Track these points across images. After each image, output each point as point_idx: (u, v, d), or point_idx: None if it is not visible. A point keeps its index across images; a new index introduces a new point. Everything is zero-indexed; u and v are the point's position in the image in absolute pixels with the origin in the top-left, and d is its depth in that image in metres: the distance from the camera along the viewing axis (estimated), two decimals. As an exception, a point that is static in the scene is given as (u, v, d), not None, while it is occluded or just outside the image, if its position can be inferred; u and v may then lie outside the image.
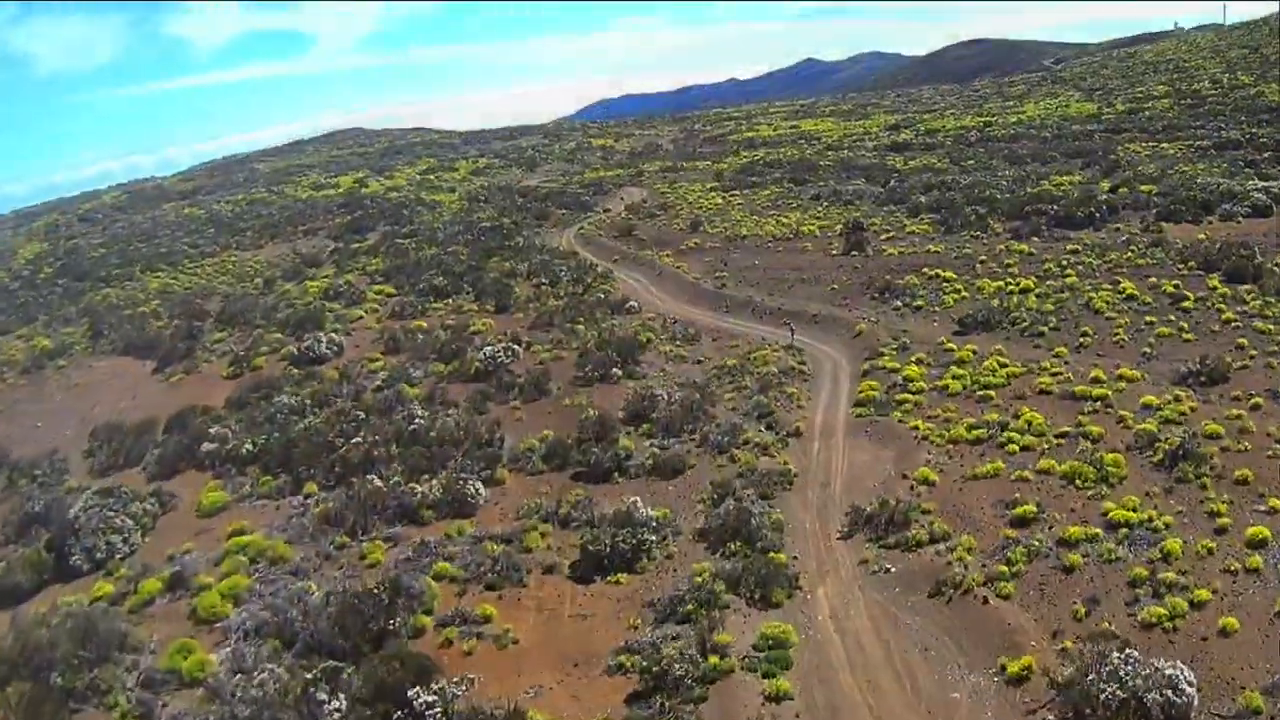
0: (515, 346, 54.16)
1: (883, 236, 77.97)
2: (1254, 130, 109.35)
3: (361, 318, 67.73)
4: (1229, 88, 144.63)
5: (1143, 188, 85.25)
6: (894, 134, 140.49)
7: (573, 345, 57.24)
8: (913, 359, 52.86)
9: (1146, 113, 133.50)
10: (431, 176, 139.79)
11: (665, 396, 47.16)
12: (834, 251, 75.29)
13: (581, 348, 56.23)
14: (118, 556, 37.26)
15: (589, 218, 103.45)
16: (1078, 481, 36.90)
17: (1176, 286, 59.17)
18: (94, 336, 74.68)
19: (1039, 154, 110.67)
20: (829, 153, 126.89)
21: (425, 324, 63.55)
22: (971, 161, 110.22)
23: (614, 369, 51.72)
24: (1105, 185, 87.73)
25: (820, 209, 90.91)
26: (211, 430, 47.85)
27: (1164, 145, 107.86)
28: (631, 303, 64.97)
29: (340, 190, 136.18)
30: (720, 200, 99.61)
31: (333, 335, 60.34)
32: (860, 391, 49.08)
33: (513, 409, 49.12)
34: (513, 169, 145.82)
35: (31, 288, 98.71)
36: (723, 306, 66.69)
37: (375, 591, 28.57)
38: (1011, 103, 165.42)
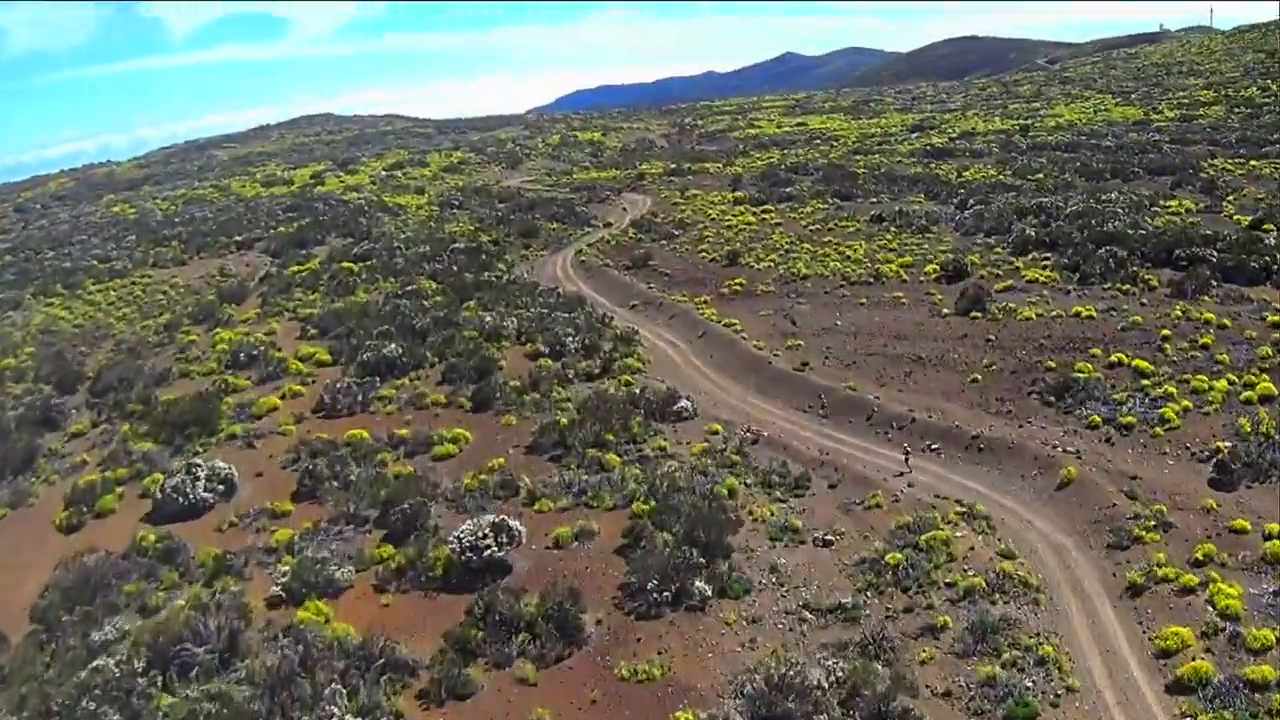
0: (512, 525, 28.49)
1: (997, 286, 53.32)
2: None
3: (275, 409, 41.87)
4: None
5: (1293, 225, 61.94)
6: (921, 136, 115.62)
7: (606, 500, 31.82)
8: (1197, 552, 28.49)
9: (1201, 121, 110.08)
10: (398, 173, 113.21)
11: (822, 680, 22.08)
12: (944, 309, 50.62)
13: (624, 510, 30.93)
14: None
15: (587, 235, 77.81)
16: None
17: None
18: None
19: (1116, 168, 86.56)
20: (857, 157, 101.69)
21: (367, 433, 37.78)
22: (1040, 175, 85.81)
23: (694, 578, 26.42)
24: (1242, 220, 63.98)
25: (889, 236, 65.97)
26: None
27: (1253, 163, 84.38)
28: (683, 400, 39.51)
29: (293, 187, 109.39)
30: (752, 218, 74.25)
31: (217, 466, 34.46)
32: (1164, 648, 24.69)
33: (518, 680, 23.75)
34: (491, 166, 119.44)
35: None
36: (816, 405, 41.62)
37: None
38: (1038, 104, 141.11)
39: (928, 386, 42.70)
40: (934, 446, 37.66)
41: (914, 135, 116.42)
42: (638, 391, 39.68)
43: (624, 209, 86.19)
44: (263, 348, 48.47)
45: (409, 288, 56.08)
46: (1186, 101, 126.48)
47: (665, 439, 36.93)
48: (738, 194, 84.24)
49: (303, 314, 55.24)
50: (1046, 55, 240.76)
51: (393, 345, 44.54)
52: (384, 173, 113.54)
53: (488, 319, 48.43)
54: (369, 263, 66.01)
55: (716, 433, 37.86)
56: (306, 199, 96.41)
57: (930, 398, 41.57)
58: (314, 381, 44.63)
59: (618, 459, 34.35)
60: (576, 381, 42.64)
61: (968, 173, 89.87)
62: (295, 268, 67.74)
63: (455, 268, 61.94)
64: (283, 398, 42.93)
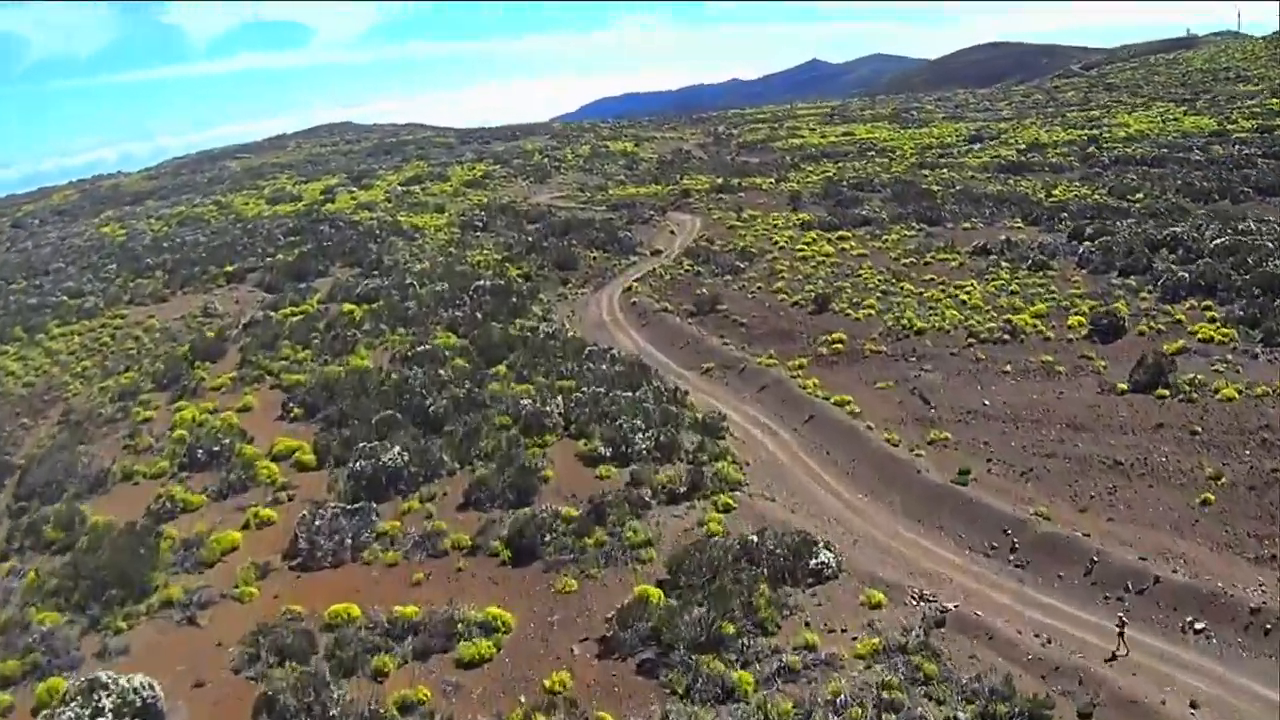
0: None
1: (1166, 347, 39.91)
2: None
3: (234, 550, 28.50)
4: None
5: None
6: (985, 148, 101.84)
7: (746, 776, 18.31)
8: None
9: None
10: (416, 188, 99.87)
11: None
12: (1117, 382, 37.34)
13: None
14: None
15: (633, 265, 64.49)
16: None
17: None
18: None
19: (1222, 186, 73.15)
20: (924, 172, 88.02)
21: (356, 610, 24.32)
22: (1141, 195, 72.21)
23: None
24: None
25: (1004, 274, 52.53)
26: None
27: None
28: (822, 554, 25.88)
29: (301, 204, 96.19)
30: (829, 247, 60.78)
31: (130, 690, 21.14)
32: None
33: None
34: (517, 180, 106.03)
35: None
36: (1002, 545, 28.12)
37: None
38: (1096, 112, 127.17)
39: (1145, 511, 29.21)
40: (1198, 626, 24.16)
41: (976, 146, 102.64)
42: (754, 538, 25.99)
43: (671, 231, 72.84)
44: (229, 440, 35.09)
45: (421, 347, 42.71)
46: (1259, 111, 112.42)
47: (809, 626, 23.41)
48: (802, 215, 70.78)
49: (288, 381, 41.95)
50: (1079, 61, 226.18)
51: (397, 450, 31.06)
52: (400, 188, 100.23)
53: (525, 400, 34.95)
54: (375, 305, 52.78)
55: (880, 606, 24.34)
56: (312, 219, 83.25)
57: (1155, 532, 28.11)
58: (291, 499, 31.30)
59: (750, 678, 20.87)
60: (656, 505, 29.12)
61: (1056, 191, 76.40)
62: (287, 310, 54.61)
63: (480, 314, 48.67)
64: (246, 527, 29.61)
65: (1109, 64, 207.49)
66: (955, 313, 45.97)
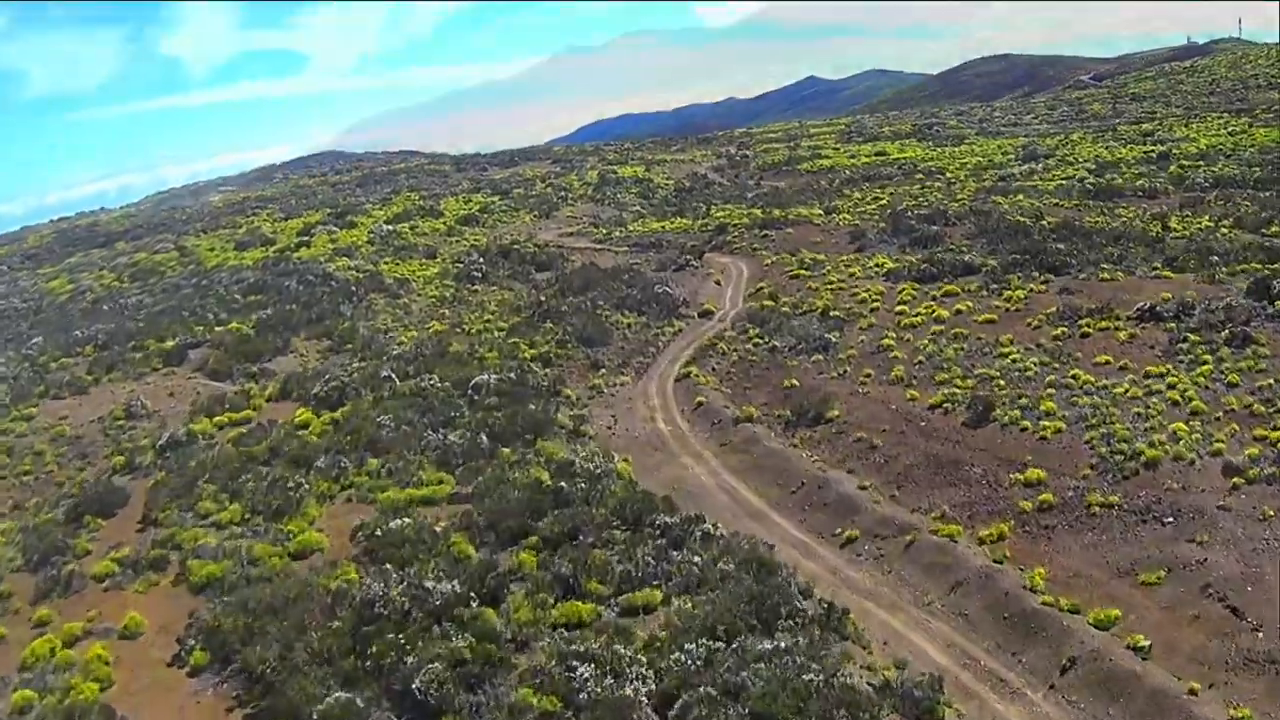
0: None
1: None
2: None
3: None
4: None
5: None
6: (1051, 170, 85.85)
7: None
8: None
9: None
10: (405, 227, 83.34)
11: None
12: None
13: None
14: None
15: (680, 333, 48.32)
16: None
17: None
18: None
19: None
20: (997, 199, 71.95)
21: None
22: (1275, 228, 56.36)
23: None
24: None
25: (1201, 351, 36.37)
26: None
27: None
28: None
29: (272, 250, 79.64)
30: (940, 310, 44.56)
31: None
32: None
33: None
34: (520, 213, 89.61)
35: None
36: None
37: None
38: (1149, 125, 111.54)
39: None
40: None
41: (1038, 167, 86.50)
42: None
43: (717, 281, 56.71)
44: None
45: (398, 520, 26.24)
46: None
47: None
48: (880, 259, 54.60)
49: (196, 576, 25.54)
50: (1087, 71, 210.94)
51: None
52: (386, 226, 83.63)
53: (583, 666, 18.56)
54: (339, 412, 36.33)
55: None
56: (279, 271, 66.74)
57: None
58: None
59: None
60: None
61: (1172, 222, 60.36)
62: (224, 417, 38.22)
63: (486, 436, 32.21)
64: None
65: (1122, 74, 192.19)
66: (1182, 426, 29.75)
